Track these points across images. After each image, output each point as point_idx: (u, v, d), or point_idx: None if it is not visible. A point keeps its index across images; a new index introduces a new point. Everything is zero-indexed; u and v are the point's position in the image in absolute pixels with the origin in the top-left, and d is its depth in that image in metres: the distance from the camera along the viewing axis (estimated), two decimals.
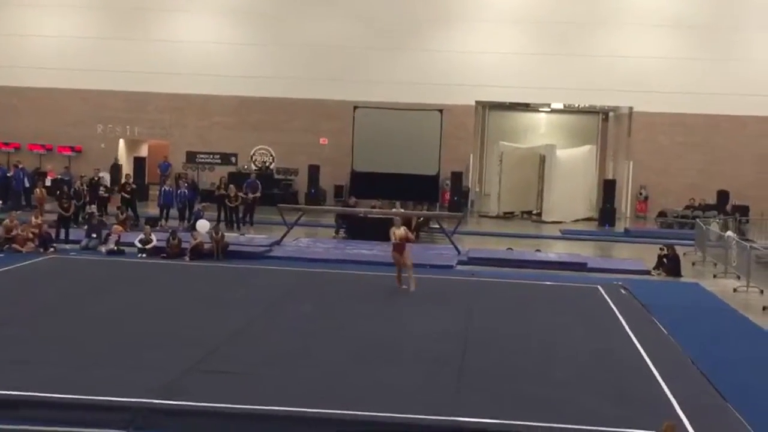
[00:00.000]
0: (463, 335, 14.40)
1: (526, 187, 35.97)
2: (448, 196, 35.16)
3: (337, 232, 27.59)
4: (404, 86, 36.06)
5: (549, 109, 40.77)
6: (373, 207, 28.80)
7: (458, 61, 36.46)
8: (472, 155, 37.49)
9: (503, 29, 36.63)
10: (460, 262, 22.83)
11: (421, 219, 28.51)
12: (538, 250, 25.45)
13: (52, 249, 21.91)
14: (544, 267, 22.57)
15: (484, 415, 10.06)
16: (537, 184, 35.86)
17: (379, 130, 34.01)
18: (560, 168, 34.13)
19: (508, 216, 35.59)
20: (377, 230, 25.99)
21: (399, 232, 18.18)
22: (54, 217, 24.26)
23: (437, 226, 27.34)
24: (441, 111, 34.19)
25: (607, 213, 34.13)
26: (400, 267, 18.36)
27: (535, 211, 36.00)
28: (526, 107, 40.51)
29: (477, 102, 37.48)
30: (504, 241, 27.41)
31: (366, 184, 32.68)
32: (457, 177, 34.89)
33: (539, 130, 41.41)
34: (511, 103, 39.41)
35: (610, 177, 37.35)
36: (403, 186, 32.73)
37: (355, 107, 34.48)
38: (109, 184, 29.88)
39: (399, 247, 18.12)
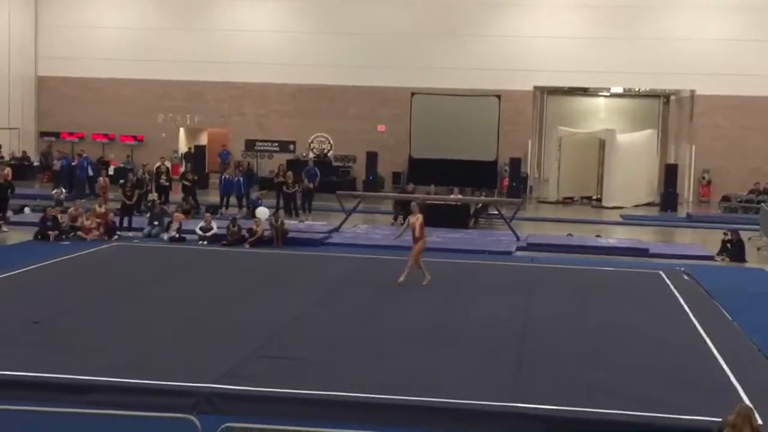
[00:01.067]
0: (522, 321, 14.34)
1: (586, 173, 35.61)
2: (506, 182, 34.97)
3: (395, 219, 27.61)
4: (462, 72, 35.89)
5: (608, 94, 40.27)
6: (430, 193, 28.74)
7: (516, 46, 36.18)
8: (530, 141, 37.21)
9: (562, 13, 36.24)
10: (519, 248, 22.72)
11: (480, 205, 28.41)
12: (598, 236, 25.19)
13: (116, 237, 22.29)
14: (604, 252, 22.35)
15: (545, 402, 10.02)
16: (597, 170, 35.48)
17: (436, 116, 33.91)
18: (621, 153, 33.72)
19: (567, 201, 35.30)
20: (436, 217, 26.00)
21: (414, 220, 17.37)
22: (117, 205, 24.66)
23: (496, 212, 27.21)
24: (499, 96, 33.97)
25: (668, 198, 33.64)
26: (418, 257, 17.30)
27: (595, 197, 35.64)
28: (584, 92, 40.08)
29: (535, 87, 37.16)
30: (563, 227, 27.19)
31: (424, 171, 32.62)
32: (515, 163, 34.68)
33: (599, 114, 40.91)
34: (569, 88, 39.01)
35: (671, 161, 36.78)
36: (461, 172, 32.62)
37: (413, 94, 34.42)
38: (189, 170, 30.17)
39: (415, 236, 17.24)
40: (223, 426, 7.20)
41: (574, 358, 12.11)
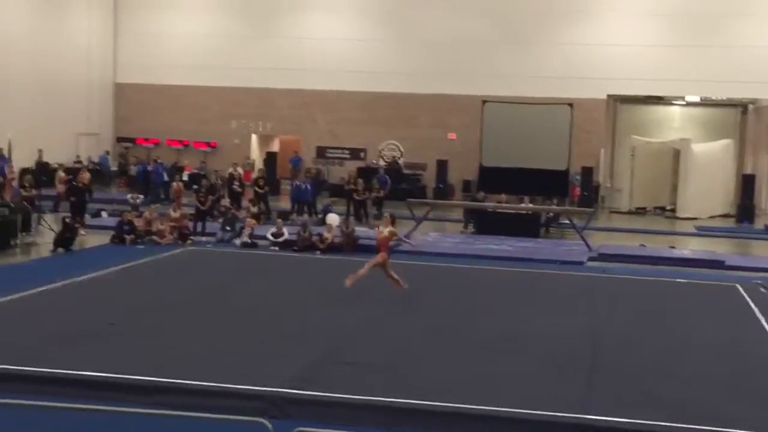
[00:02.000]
0: (593, 332, 14.16)
1: (659, 183, 35.06)
2: (578, 191, 34.62)
3: (465, 227, 27.54)
4: (533, 80, 35.68)
5: (684, 102, 39.58)
6: (501, 202, 28.60)
7: (589, 54, 35.84)
8: (602, 150, 36.78)
9: (636, 20, 35.80)
10: (591, 259, 22.46)
11: (551, 214, 28.17)
12: (672, 247, 24.78)
13: (189, 241, 22.66)
14: (678, 264, 21.96)
15: (616, 414, 9.87)
16: (671, 179, 34.91)
17: (508, 124, 33.69)
18: (696, 163, 33.13)
19: (640, 212, 34.80)
20: (506, 225, 25.89)
21: (382, 232, 16.20)
22: (191, 210, 25.05)
23: (567, 221, 26.94)
24: (571, 105, 33.64)
25: (745, 209, 32.93)
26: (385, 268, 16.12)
27: (668, 207, 35.06)
28: (659, 100, 39.45)
29: (608, 95, 36.73)
30: (636, 238, 26.81)
31: (494, 179, 32.43)
32: (587, 172, 34.31)
33: (673, 123, 40.23)
34: (643, 97, 38.45)
35: (749, 172, 35.99)
36: (532, 181, 32.35)
37: (484, 101, 34.29)
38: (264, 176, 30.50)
39: (382, 247, 16.12)
40: (295, 430, 7.26)
41: (646, 371, 11.92)
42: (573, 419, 9.71)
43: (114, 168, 38.48)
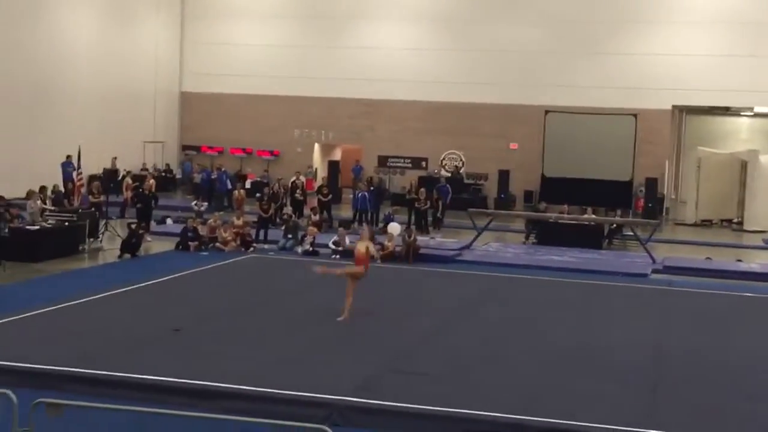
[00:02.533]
0: (658, 346, 13.97)
1: (726, 195, 34.45)
2: (642, 202, 34.20)
3: (527, 238, 27.37)
4: (597, 90, 35.37)
5: (752, 113, 38.87)
6: (563, 212, 28.38)
7: (654, 64, 35.41)
8: (667, 161, 36.27)
9: (703, 30, 35.28)
10: (655, 271, 22.16)
11: (614, 226, 27.86)
12: (739, 260, 24.32)
13: (252, 249, 22.88)
14: (745, 278, 21.57)
15: (680, 429, 9.73)
16: (738, 192, 34.28)
17: (570, 134, 33.51)
18: (764, 174, 32.49)
19: (705, 224, 34.21)
20: (568, 236, 25.68)
21: (361, 247, 15.13)
22: (254, 218, 25.30)
23: (631, 233, 26.62)
24: (635, 115, 33.31)
25: None
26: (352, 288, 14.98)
27: (735, 220, 34.40)
28: (726, 111, 38.80)
29: (674, 106, 36.23)
30: (702, 250, 26.37)
31: (557, 190, 32.25)
32: (651, 183, 33.88)
33: (740, 135, 39.55)
34: (709, 107, 37.85)
35: None
36: (595, 192, 32.10)
37: (547, 112, 34.12)
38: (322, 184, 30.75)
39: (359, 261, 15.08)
40: None
41: (711, 386, 11.72)
42: None
43: (179, 176, 39.05)
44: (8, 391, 7.68)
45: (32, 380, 10.44)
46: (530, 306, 17.04)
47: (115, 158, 34.25)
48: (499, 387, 11.25)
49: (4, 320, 13.59)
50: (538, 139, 34.48)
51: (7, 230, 19.05)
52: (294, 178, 30.72)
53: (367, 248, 15.13)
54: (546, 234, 26.62)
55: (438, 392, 10.79)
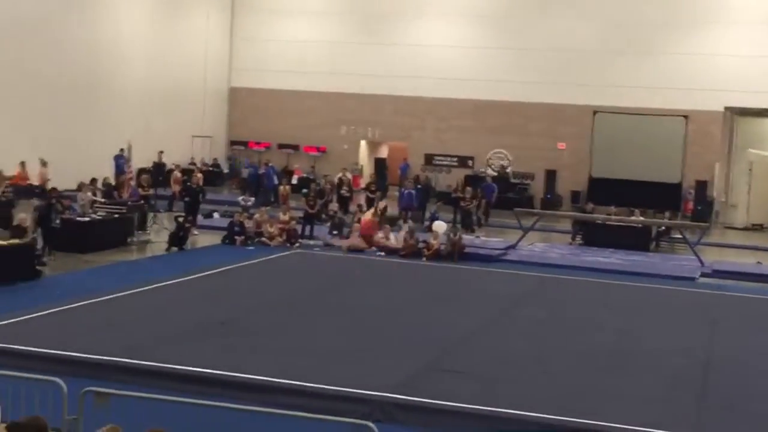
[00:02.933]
0: (706, 351, 13.79)
1: None
2: (691, 205, 33.78)
3: (573, 239, 27.18)
4: (646, 91, 34.97)
5: None
6: (610, 214, 28.13)
7: (705, 65, 34.92)
8: (717, 163, 35.76)
9: (755, 30, 34.69)
10: (704, 275, 21.87)
11: (662, 228, 27.56)
12: None
13: (297, 244, 22.99)
14: None
15: None
16: None
17: (619, 135, 33.15)
18: None
19: (756, 228, 33.70)
20: (615, 238, 25.46)
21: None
22: (300, 213, 25.42)
23: (679, 236, 26.32)
24: (686, 117, 32.88)
25: None
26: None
27: None
28: None
29: (726, 108, 35.70)
30: (752, 255, 25.97)
31: (604, 191, 31.94)
32: (701, 186, 33.46)
33: None
34: (762, 109, 37.22)
35: None
36: (643, 193, 31.73)
37: (595, 112, 33.82)
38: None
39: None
40: None
41: (760, 393, 11.55)
42: None
43: (226, 170, 39.34)
44: (58, 380, 7.82)
45: (81, 369, 10.60)
46: (575, 307, 16.92)
47: (161, 152, 34.56)
48: (540, 387, 11.19)
49: (53, 310, 13.82)
50: (586, 139, 34.17)
51: (58, 221, 19.35)
52: (340, 175, 30.81)
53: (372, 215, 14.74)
54: (593, 235, 26.42)
55: (479, 391, 10.77)
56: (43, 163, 27.80)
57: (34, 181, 27.71)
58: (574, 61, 36.18)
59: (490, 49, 37.35)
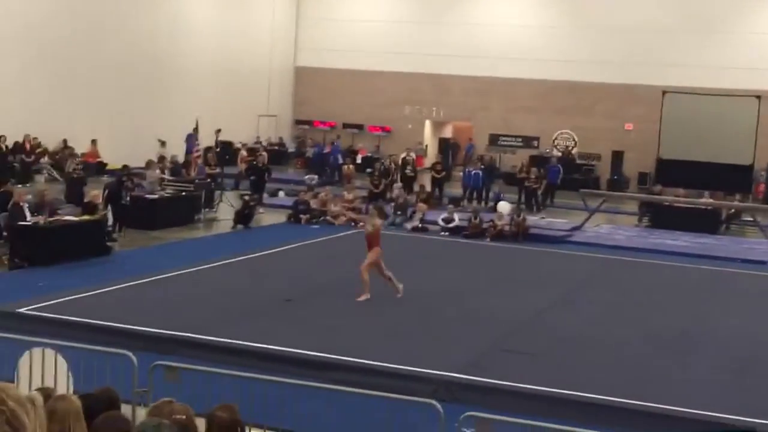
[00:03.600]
0: None
1: None
2: (762, 188, 33.05)
3: (640, 220, 26.81)
4: (718, 71, 34.20)
5: None
6: (679, 196, 27.67)
7: None
8: None
9: None
10: None
11: (732, 211, 27.03)
12: None
13: (361, 223, 23.05)
14: None
15: None
16: None
17: (688, 116, 32.53)
18: None
19: None
20: (683, 220, 25.06)
21: (371, 227, 14.73)
22: (364, 193, 25.48)
23: (750, 218, 25.79)
24: (758, 97, 32.12)
25: None
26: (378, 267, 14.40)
27: None
28: None
29: None
30: None
31: (673, 172, 31.41)
32: None
33: None
34: None
35: None
36: (713, 175, 31.11)
37: (664, 92, 33.21)
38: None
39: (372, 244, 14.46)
40: (465, 414, 7.31)
41: None
42: (755, 425, 9.33)
43: (291, 149, 39.60)
44: (129, 353, 8.00)
45: (150, 344, 10.82)
46: (641, 290, 16.72)
47: (219, 130, 33.52)
48: (605, 370, 11.13)
49: (122, 285, 14.12)
50: (655, 120, 33.58)
51: (128, 198, 19.71)
52: (404, 155, 30.79)
53: (374, 227, 14.53)
54: (660, 217, 26.03)
55: (542, 372, 10.74)
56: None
57: (105, 159, 28.26)
58: (643, 41, 35.53)
59: (556, 29, 36.89)
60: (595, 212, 25.27)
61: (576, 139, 36.94)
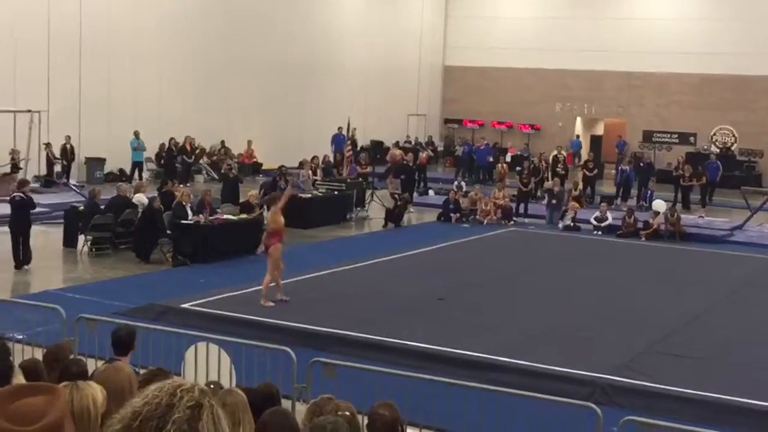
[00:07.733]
0: None
1: None
2: None
3: None
4: None
5: None
6: None
7: None
8: None
9: None
10: None
11: None
12: None
13: (512, 222, 22.88)
14: None
15: None
16: None
17: None
18: None
19: None
20: None
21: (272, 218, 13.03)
22: (514, 191, 25.25)
23: None
24: None
25: None
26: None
27: None
28: None
29: None
30: None
31: None
32: None
33: None
34: None
35: None
36: None
37: None
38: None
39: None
40: (625, 418, 7.13)
41: None
42: None
43: (440, 148, 39.65)
44: (289, 349, 8.18)
45: (309, 340, 11.03)
46: None
47: (354, 129, 33.00)
48: (763, 373, 10.63)
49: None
50: None
51: None
52: (555, 153, 30.33)
53: (276, 218, 12.97)
54: None
55: (701, 376, 10.37)
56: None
57: (260, 159, 29.05)
58: None
59: (714, 21, 35.53)
60: (758, 211, 24.19)
61: (736, 135, 35.48)
